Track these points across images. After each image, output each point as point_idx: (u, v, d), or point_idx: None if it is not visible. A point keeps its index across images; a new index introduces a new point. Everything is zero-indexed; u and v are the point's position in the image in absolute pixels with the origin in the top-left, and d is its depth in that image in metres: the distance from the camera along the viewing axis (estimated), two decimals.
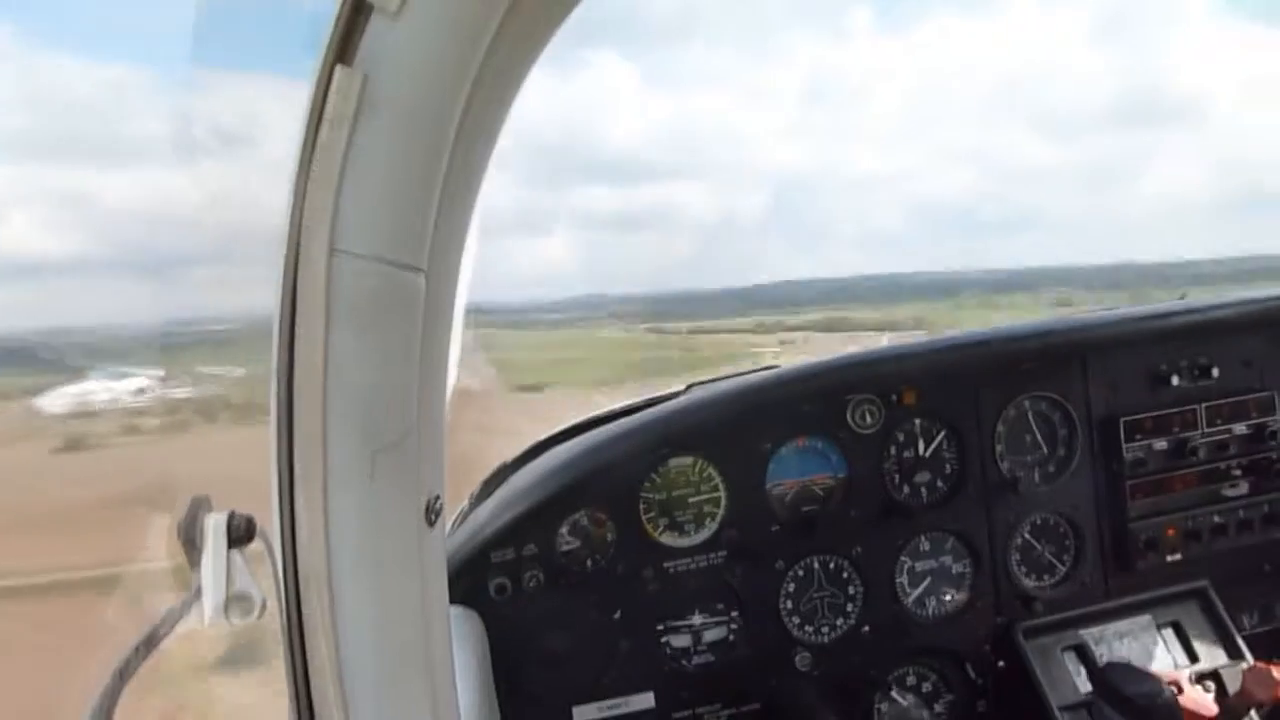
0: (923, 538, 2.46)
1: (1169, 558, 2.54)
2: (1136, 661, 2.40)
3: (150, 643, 0.94)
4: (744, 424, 2.34)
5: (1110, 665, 2.37)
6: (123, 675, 0.92)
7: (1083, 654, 2.43)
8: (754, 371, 2.49)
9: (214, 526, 0.95)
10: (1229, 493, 2.59)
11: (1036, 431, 2.53)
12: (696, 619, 2.31)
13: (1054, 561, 2.54)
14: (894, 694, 2.49)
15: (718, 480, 2.32)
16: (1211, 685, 2.36)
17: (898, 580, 2.44)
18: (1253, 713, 2.23)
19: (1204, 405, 2.56)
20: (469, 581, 2.14)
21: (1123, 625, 2.50)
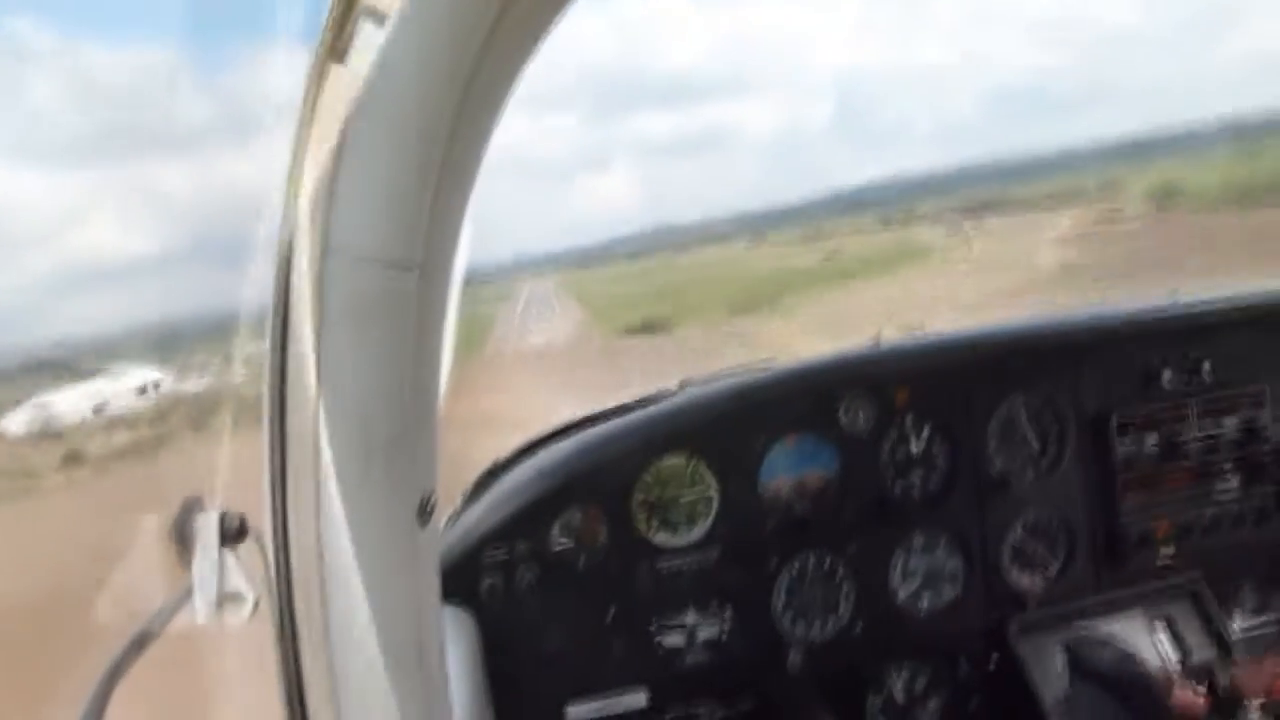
0: (915, 536, 2.46)
1: (1161, 554, 2.55)
2: (1129, 658, 2.41)
3: (142, 641, 0.94)
4: (737, 422, 2.34)
5: (1105, 668, 2.38)
6: (115, 674, 0.92)
7: (1075, 652, 2.44)
8: (747, 369, 2.50)
9: (206, 525, 0.95)
10: (1220, 489, 2.60)
11: (1028, 429, 2.53)
12: (690, 617, 2.31)
13: (1046, 559, 2.55)
14: (887, 691, 2.49)
15: (710, 479, 2.32)
16: (1203, 682, 2.37)
17: (890, 578, 2.45)
18: (1244, 708, 2.25)
19: (1195, 402, 2.57)
20: (462, 580, 2.14)
21: (1115, 622, 2.51)
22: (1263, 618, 2.69)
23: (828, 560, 2.40)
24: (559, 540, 2.22)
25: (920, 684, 2.51)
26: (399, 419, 0.95)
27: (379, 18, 0.85)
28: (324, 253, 0.87)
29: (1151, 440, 2.55)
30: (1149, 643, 2.49)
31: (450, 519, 2.27)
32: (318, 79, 0.87)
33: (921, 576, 2.47)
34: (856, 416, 2.40)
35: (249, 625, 0.95)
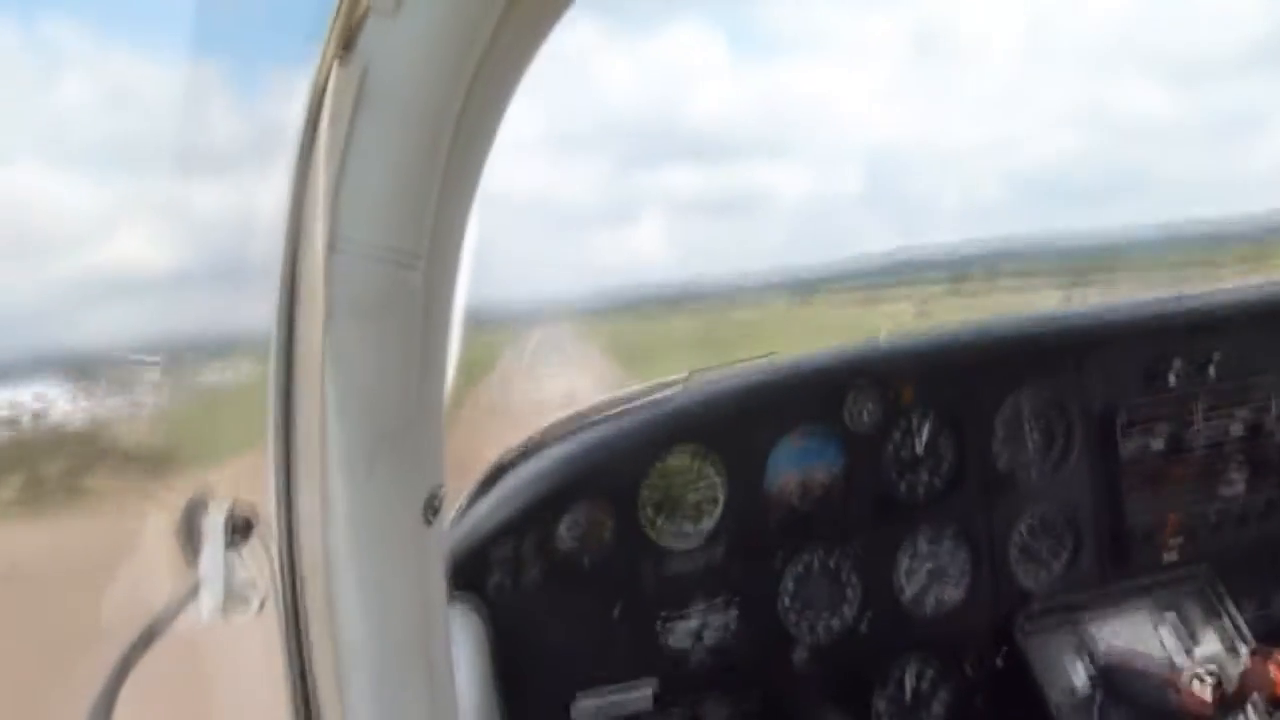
0: (921, 532, 2.46)
1: (1166, 551, 2.55)
2: (1135, 654, 2.40)
3: (149, 637, 0.94)
4: (743, 419, 2.34)
5: (1112, 664, 2.37)
6: (123, 669, 0.92)
7: (1081, 648, 2.43)
8: (753, 366, 2.50)
9: (213, 521, 0.95)
10: (1226, 486, 2.59)
11: (1034, 425, 2.53)
12: (696, 613, 2.31)
13: (1052, 556, 2.54)
14: (893, 688, 2.49)
15: (717, 475, 2.31)
16: (1210, 677, 2.37)
17: (896, 575, 2.44)
18: (1251, 703, 2.24)
19: (1201, 398, 2.56)
20: (469, 575, 2.14)
21: (1121, 619, 2.50)
22: (1269, 612, 2.69)
23: (833, 557, 2.39)
24: (566, 536, 2.22)
25: (926, 680, 2.51)
26: (405, 414, 0.95)
27: (386, 13, 0.85)
28: (330, 246, 0.87)
29: (1158, 436, 2.54)
30: (1156, 638, 2.48)
31: (457, 514, 2.27)
32: (325, 73, 0.87)
33: (927, 573, 2.47)
34: (862, 412, 2.40)
35: (256, 620, 0.95)
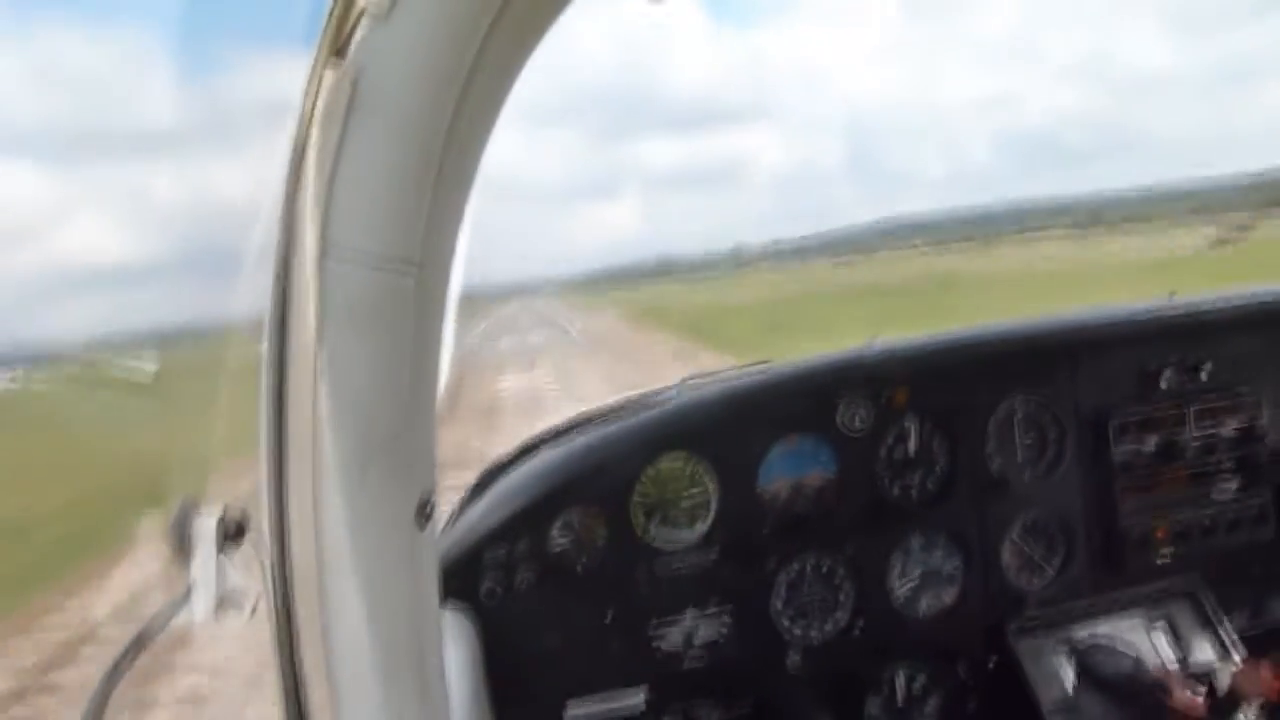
0: (914, 537, 2.46)
1: (1159, 557, 2.55)
2: (1127, 659, 2.41)
3: (141, 642, 0.94)
4: (735, 423, 2.34)
5: (1104, 669, 2.37)
6: (114, 675, 0.92)
7: (1073, 653, 2.44)
8: (746, 370, 2.50)
9: (205, 526, 0.95)
10: (1218, 492, 2.60)
11: (1026, 431, 2.53)
12: (688, 618, 2.31)
13: (1045, 561, 2.54)
14: (885, 692, 2.49)
15: (709, 479, 2.31)
16: (1202, 684, 2.37)
17: (889, 579, 2.44)
18: (1243, 710, 2.25)
19: (1193, 405, 2.57)
20: (461, 580, 2.13)
21: (1113, 624, 2.51)
22: (1261, 619, 2.69)
23: (827, 561, 2.40)
24: (558, 540, 2.21)
25: (919, 684, 2.51)
26: (398, 419, 0.95)
27: (379, 17, 0.86)
28: (323, 251, 0.87)
29: (1150, 442, 2.54)
30: (1148, 644, 2.48)
31: (450, 519, 2.27)
32: (317, 78, 0.87)
33: (920, 577, 2.47)
34: (855, 417, 2.40)
35: (248, 625, 0.95)
